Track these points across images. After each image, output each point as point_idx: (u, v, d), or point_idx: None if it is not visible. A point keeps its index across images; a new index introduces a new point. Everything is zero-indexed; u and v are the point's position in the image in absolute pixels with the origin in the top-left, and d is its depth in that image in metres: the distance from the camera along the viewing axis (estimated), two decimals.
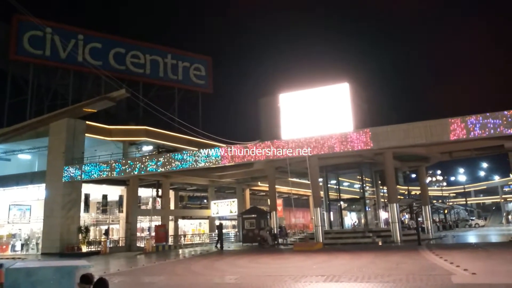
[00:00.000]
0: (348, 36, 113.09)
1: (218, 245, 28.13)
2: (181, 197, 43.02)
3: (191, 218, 41.49)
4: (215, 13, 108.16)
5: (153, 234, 31.68)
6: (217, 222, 38.63)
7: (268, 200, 32.35)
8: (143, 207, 36.98)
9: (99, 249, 29.19)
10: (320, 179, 29.79)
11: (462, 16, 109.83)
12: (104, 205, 33.99)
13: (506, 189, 77.18)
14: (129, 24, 77.76)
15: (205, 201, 43.21)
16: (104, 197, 33.15)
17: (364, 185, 31.36)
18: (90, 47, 40.78)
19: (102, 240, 30.65)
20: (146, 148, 35.05)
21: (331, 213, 31.94)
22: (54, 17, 40.44)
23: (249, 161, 26.39)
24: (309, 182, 26.69)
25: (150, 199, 35.72)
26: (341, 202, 33.24)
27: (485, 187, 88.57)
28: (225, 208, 36.91)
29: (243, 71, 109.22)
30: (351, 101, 26.40)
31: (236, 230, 39.94)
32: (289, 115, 28.13)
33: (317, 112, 26.88)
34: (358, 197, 32.91)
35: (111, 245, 30.61)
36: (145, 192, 35.43)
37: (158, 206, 35.67)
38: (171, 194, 38.25)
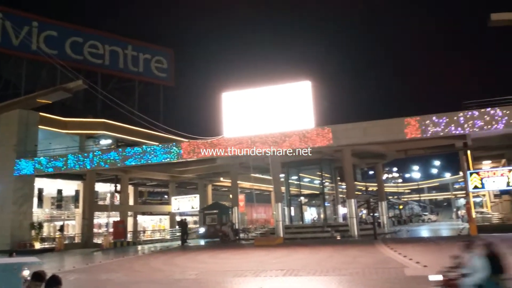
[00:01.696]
0: (311, 33, 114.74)
1: (186, 241, 27.91)
2: (141, 193, 42.21)
3: (151, 214, 40.81)
4: (179, 5, 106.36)
5: (111, 230, 30.90)
6: (178, 218, 38.27)
7: (231, 195, 32.37)
8: (100, 202, 36.02)
9: (53, 245, 28.14)
10: (282, 175, 30.12)
11: (428, 16, 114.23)
12: (59, 200, 32.77)
13: (457, 186, 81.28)
14: (89, 14, 74.83)
15: (166, 196, 42.59)
16: (59, 192, 31.94)
17: (324, 181, 32.03)
18: (45, 35, 38.89)
19: (56, 236, 29.52)
20: (104, 142, 34.03)
21: (292, 208, 32.41)
22: (7, 2, 38.01)
23: (211, 156, 26.27)
24: (271, 178, 26.93)
25: (108, 194, 34.76)
26: (302, 198, 33.79)
27: (437, 184, 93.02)
28: (186, 204, 36.53)
29: (207, 65, 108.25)
30: (312, 99, 26.73)
31: (198, 225, 39.70)
32: (236, 113, 27.40)
33: (277, 110, 26.88)
34: (318, 192, 33.56)
35: (67, 242, 29.58)
36: (102, 187, 34.47)
37: (117, 201, 34.81)
38: (130, 189, 37.47)
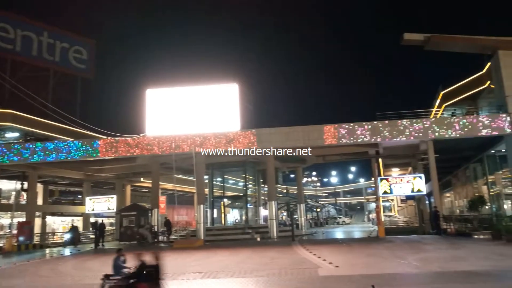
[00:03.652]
0: (240, 38, 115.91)
1: (100, 245, 26.36)
2: (51, 192, 39.25)
3: (62, 214, 38.08)
4: None
5: (15, 231, 28.21)
6: (92, 219, 36.18)
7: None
8: (4, 201, 32.81)
9: None
10: (206, 176, 29.89)
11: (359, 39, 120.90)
12: None
13: (369, 190, 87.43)
14: None
15: (80, 196, 40.02)
16: None
17: (247, 183, 32.40)
18: None
19: None
20: (11, 135, 31.08)
21: (215, 210, 32.28)
22: None
23: (131, 155, 25.28)
24: (194, 179, 26.58)
25: (13, 193, 31.74)
26: (225, 199, 33.83)
27: (352, 188, 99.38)
28: (102, 205, 34.53)
29: (132, 60, 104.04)
30: (239, 102, 26.93)
31: (114, 228, 37.85)
32: (160, 111, 26.80)
33: (203, 110, 26.65)
34: (241, 194, 33.84)
35: None
36: (7, 185, 31.48)
37: (23, 200, 31.93)
38: (39, 187, 34.64)
